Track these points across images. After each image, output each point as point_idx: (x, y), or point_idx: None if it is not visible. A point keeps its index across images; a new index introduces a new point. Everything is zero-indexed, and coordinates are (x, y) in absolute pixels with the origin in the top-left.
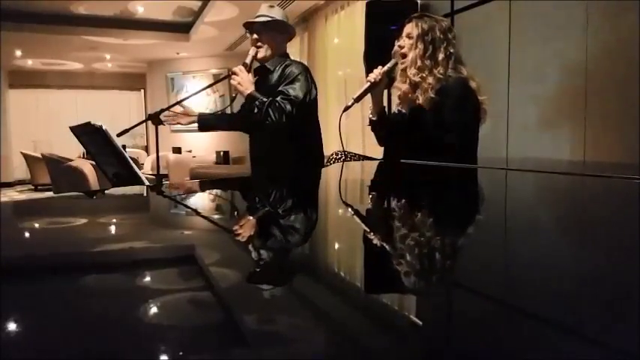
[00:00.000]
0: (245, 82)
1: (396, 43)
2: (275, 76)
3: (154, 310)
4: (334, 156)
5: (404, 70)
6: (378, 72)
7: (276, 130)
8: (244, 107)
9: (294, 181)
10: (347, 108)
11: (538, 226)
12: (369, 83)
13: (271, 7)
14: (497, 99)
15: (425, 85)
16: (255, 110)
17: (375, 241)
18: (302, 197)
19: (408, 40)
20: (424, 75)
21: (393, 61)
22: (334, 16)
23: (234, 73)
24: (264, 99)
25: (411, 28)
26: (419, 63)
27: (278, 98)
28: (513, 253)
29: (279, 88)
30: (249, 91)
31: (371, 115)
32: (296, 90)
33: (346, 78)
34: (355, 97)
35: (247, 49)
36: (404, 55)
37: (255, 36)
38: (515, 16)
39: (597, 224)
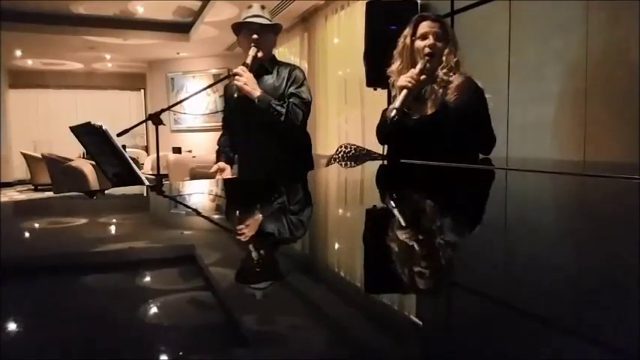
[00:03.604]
0: (251, 82)
1: (422, 42)
2: (273, 77)
3: (153, 310)
4: (343, 149)
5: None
6: (413, 77)
7: (274, 131)
8: (226, 109)
9: (289, 182)
10: (392, 119)
11: (538, 227)
12: (406, 90)
13: (262, 7)
14: (497, 99)
15: (450, 83)
16: (272, 111)
17: (375, 241)
18: (298, 197)
19: (437, 40)
20: (451, 75)
21: (422, 62)
22: (334, 16)
23: (237, 74)
24: (278, 101)
25: (440, 29)
26: (452, 63)
27: (296, 101)
28: (513, 253)
29: (291, 90)
30: (258, 93)
31: (390, 113)
32: (306, 94)
33: (346, 78)
34: (397, 106)
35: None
36: (432, 55)
37: (255, 36)
38: (515, 16)
39: (597, 224)
